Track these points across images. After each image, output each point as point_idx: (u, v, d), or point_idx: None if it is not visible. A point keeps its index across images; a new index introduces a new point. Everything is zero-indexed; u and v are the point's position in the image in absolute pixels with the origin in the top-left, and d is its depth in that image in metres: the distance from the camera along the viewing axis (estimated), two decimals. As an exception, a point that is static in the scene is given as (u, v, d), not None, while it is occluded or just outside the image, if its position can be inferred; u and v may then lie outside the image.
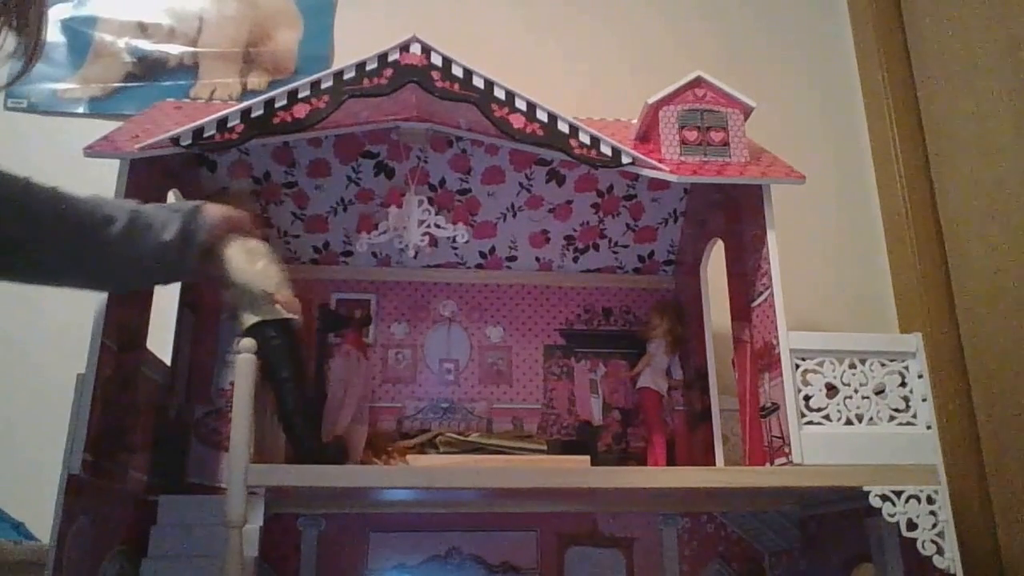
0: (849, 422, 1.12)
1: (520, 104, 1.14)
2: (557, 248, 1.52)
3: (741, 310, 1.27)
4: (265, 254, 1.14)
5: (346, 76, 1.13)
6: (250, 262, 1.11)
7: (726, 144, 1.22)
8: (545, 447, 1.33)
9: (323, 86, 1.13)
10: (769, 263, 1.17)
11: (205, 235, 1.03)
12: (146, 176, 1.15)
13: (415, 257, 1.35)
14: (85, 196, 0.95)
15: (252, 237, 1.14)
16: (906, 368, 1.15)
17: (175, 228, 0.99)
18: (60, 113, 1.69)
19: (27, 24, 0.81)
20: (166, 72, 1.74)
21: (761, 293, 1.20)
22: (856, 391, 1.14)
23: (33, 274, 0.95)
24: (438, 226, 1.30)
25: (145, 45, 1.76)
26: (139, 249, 0.97)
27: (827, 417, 1.12)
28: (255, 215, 1.22)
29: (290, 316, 1.13)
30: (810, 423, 1.12)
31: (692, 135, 1.23)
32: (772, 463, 1.16)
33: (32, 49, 0.82)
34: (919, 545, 1.05)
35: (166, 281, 1.11)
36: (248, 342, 1.02)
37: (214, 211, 1.06)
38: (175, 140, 1.10)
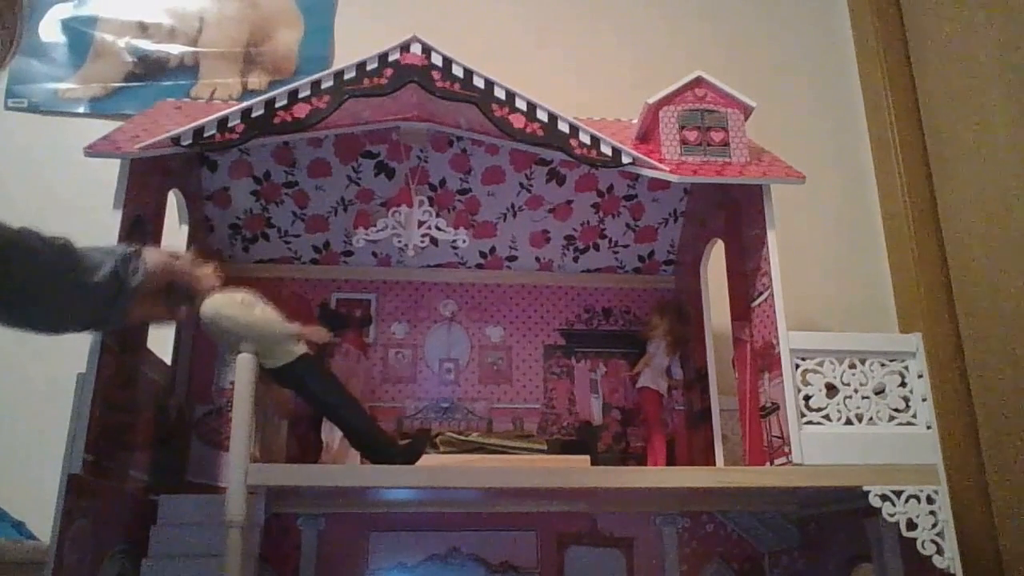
0: (849, 422, 1.12)
1: (520, 104, 1.14)
2: (557, 248, 1.52)
3: (741, 310, 1.27)
4: (253, 299, 1.06)
5: (346, 76, 1.13)
6: (246, 310, 1.04)
7: (726, 144, 1.22)
8: (545, 447, 1.33)
9: (324, 86, 1.13)
10: (769, 263, 1.17)
11: (140, 281, 0.95)
12: (146, 176, 1.15)
13: (414, 257, 1.35)
14: (14, 227, 0.88)
15: (199, 279, 1.04)
16: (906, 368, 1.15)
17: (107, 270, 0.92)
18: (60, 113, 1.69)
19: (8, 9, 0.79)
20: (166, 72, 1.74)
21: (761, 293, 1.20)
22: (856, 391, 1.14)
23: None
24: (439, 228, 1.30)
25: (145, 45, 1.76)
26: (66, 289, 0.90)
27: (827, 417, 1.12)
28: (197, 254, 1.11)
29: (308, 351, 1.07)
30: (810, 423, 1.12)
31: (692, 135, 1.23)
32: (772, 463, 1.16)
33: (12, 36, 0.80)
34: (919, 545, 1.05)
35: (95, 326, 0.99)
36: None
37: (153, 257, 0.98)
38: (176, 140, 1.10)
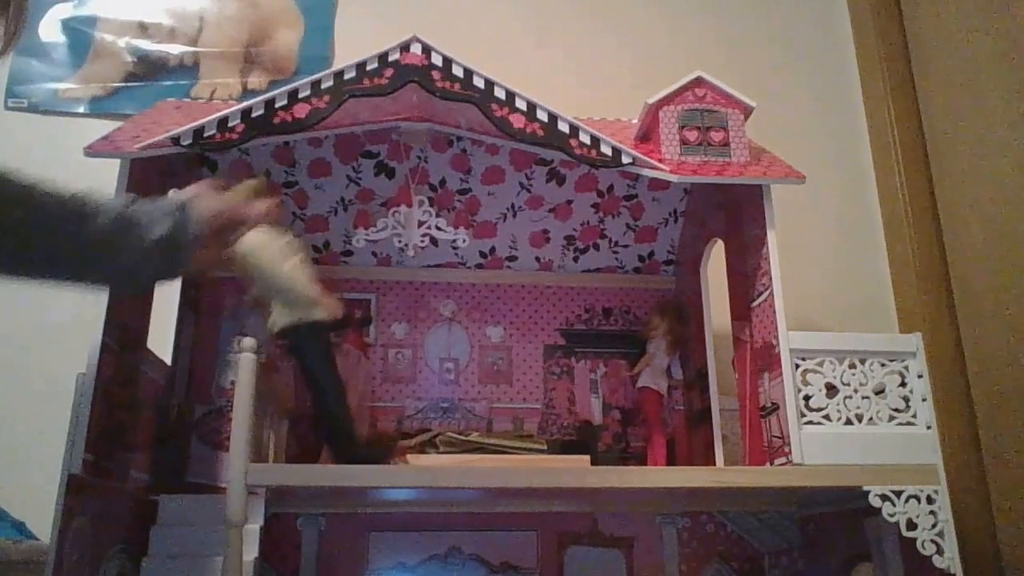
0: (849, 422, 1.12)
1: (520, 104, 1.14)
2: (557, 248, 1.52)
3: (741, 310, 1.28)
4: (293, 250, 1.10)
5: (347, 76, 1.13)
6: (279, 259, 1.07)
7: (726, 144, 1.22)
8: (545, 447, 1.33)
9: (323, 86, 1.13)
10: (769, 263, 1.17)
11: (196, 231, 0.95)
12: (146, 176, 1.15)
13: (414, 257, 1.35)
14: (74, 190, 0.91)
15: (245, 216, 1.02)
16: (906, 368, 1.15)
17: (164, 226, 0.93)
18: (60, 113, 1.69)
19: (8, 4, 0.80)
20: (166, 72, 1.74)
21: (761, 293, 1.20)
22: (856, 391, 1.14)
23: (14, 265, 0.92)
24: (439, 228, 1.30)
25: (145, 45, 1.76)
26: (126, 247, 0.92)
27: (827, 417, 1.12)
28: (273, 205, 1.10)
29: (331, 318, 1.10)
30: (810, 423, 1.12)
31: (692, 135, 1.23)
32: (772, 463, 1.16)
33: (13, 29, 0.81)
34: (919, 545, 1.05)
35: (157, 280, 1.02)
36: (249, 341, 1.02)
37: (205, 204, 0.98)
38: (175, 140, 1.10)
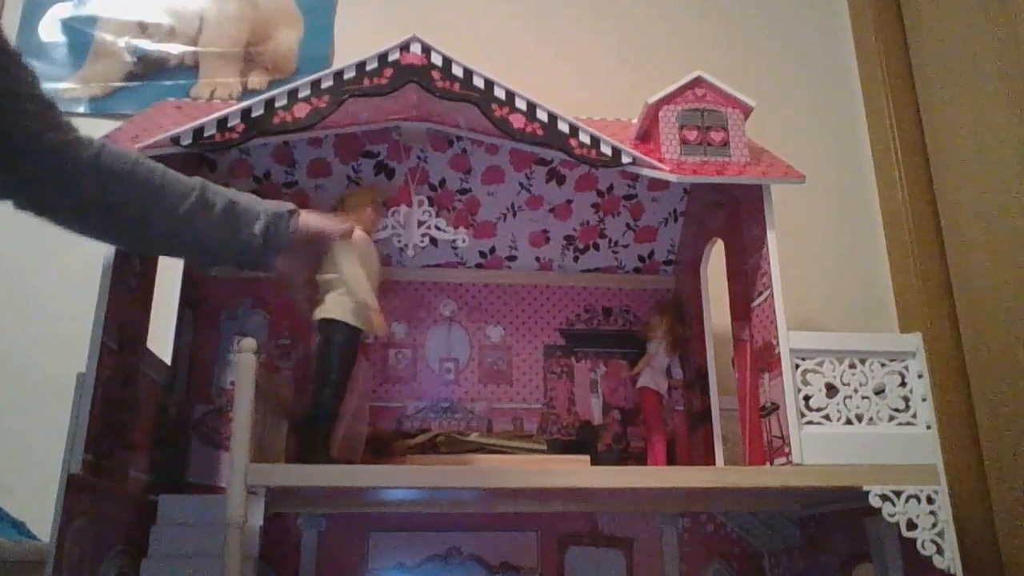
0: (849, 422, 1.12)
1: (520, 104, 1.14)
2: (557, 248, 1.52)
3: (741, 310, 1.28)
4: (374, 263, 1.19)
5: (346, 76, 1.13)
6: (358, 264, 1.15)
7: (726, 144, 1.22)
8: (545, 447, 1.33)
9: (323, 86, 1.13)
10: (769, 263, 1.17)
11: (289, 242, 1.06)
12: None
13: (414, 257, 1.36)
14: (193, 180, 1.01)
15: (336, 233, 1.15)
16: (906, 368, 1.15)
17: (260, 227, 1.02)
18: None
19: None
20: (166, 72, 1.74)
21: (761, 293, 1.20)
22: (856, 391, 1.14)
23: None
24: (439, 228, 1.30)
25: (145, 45, 1.76)
26: (228, 242, 1.01)
27: (827, 417, 1.12)
28: (373, 221, 1.24)
29: (377, 332, 1.17)
30: (810, 423, 1.12)
31: (692, 135, 1.23)
32: (772, 463, 1.16)
33: None
34: (919, 545, 1.05)
35: (245, 267, 1.11)
36: (249, 341, 1.02)
37: (308, 221, 1.08)
38: (175, 140, 1.11)
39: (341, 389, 1.14)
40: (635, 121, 1.32)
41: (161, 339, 1.29)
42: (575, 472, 1.14)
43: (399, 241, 1.29)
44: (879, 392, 1.15)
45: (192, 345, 1.39)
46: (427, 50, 1.14)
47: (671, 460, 1.40)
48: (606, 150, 1.16)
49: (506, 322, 1.51)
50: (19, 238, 1.54)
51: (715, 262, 1.40)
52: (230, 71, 1.76)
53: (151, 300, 1.22)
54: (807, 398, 1.12)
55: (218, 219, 0.99)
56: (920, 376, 1.14)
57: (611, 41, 1.88)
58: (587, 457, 1.26)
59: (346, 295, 1.15)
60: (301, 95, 1.12)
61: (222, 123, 1.11)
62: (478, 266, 1.53)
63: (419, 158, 1.39)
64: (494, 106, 1.14)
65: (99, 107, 1.70)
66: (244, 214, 1.02)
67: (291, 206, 1.08)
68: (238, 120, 1.11)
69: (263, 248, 1.03)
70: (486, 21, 1.84)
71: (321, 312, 1.16)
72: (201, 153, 1.28)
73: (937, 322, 1.63)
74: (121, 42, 1.75)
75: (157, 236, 0.98)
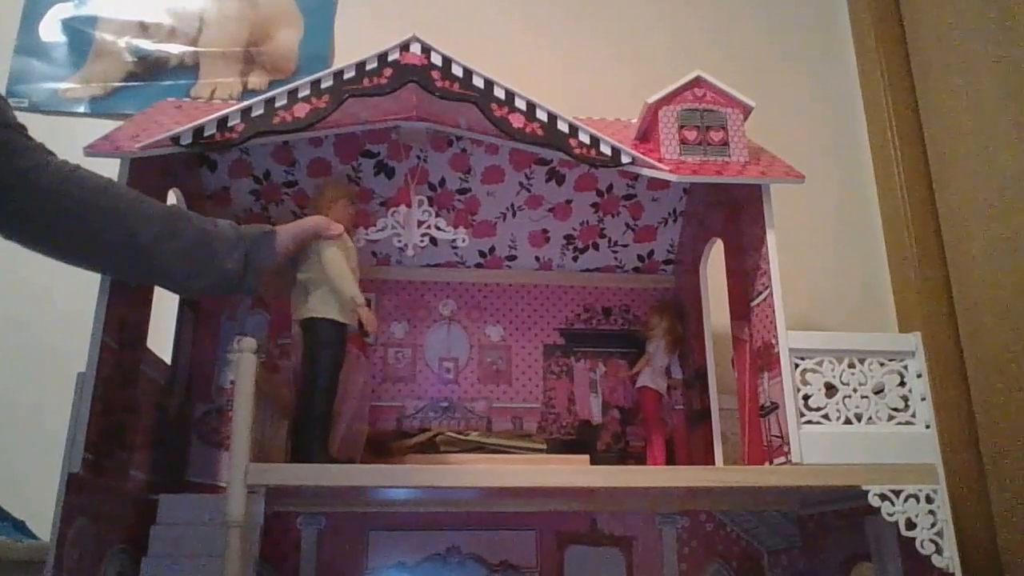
0: (848, 421, 1.13)
1: (520, 104, 1.14)
2: (557, 247, 1.52)
3: (741, 310, 1.28)
4: (354, 258, 1.20)
5: (346, 76, 1.13)
6: (343, 262, 1.15)
7: (725, 144, 1.22)
8: (545, 446, 1.33)
9: (323, 85, 1.13)
10: (768, 263, 1.17)
11: (270, 263, 1.07)
12: (146, 175, 1.15)
13: (413, 257, 1.36)
14: (167, 207, 1.02)
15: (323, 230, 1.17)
16: (905, 367, 1.16)
17: (238, 256, 1.03)
18: (61, 112, 1.69)
19: None
20: (167, 71, 1.75)
21: (760, 293, 1.20)
22: (855, 390, 1.14)
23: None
24: (439, 228, 1.30)
25: (146, 44, 1.76)
26: (201, 271, 1.02)
27: (826, 416, 1.12)
28: (350, 216, 1.24)
29: (367, 329, 1.16)
30: (809, 422, 1.12)
31: (692, 135, 1.23)
32: (771, 462, 1.16)
33: None
34: (918, 544, 1.05)
35: (228, 292, 1.16)
36: (249, 341, 1.02)
37: (283, 239, 1.10)
38: (175, 139, 1.11)
39: (332, 388, 1.14)
40: (635, 121, 1.32)
41: (161, 339, 1.29)
42: (574, 471, 1.14)
43: (399, 241, 1.29)
44: (878, 392, 1.15)
45: (192, 344, 1.39)
46: (427, 50, 1.14)
47: (670, 459, 1.40)
48: (606, 150, 1.16)
49: (506, 322, 1.51)
50: (19, 238, 1.54)
51: (714, 262, 1.40)
52: (230, 71, 1.76)
53: (151, 299, 1.22)
54: (806, 398, 1.13)
55: (190, 247, 1.00)
56: (919, 376, 1.15)
57: (611, 41, 1.88)
58: (586, 456, 1.26)
59: (330, 292, 1.15)
60: (301, 95, 1.12)
61: (222, 123, 1.11)
62: (478, 266, 1.53)
63: (419, 158, 1.39)
64: (494, 106, 1.14)
65: (99, 107, 1.70)
66: (221, 243, 1.03)
67: (268, 228, 1.10)
68: (238, 120, 1.11)
69: (243, 275, 1.05)
70: (486, 21, 1.84)
71: (306, 312, 1.16)
72: (201, 153, 1.29)
73: (936, 322, 1.64)
74: (121, 42, 1.75)
75: (128, 264, 0.99)
